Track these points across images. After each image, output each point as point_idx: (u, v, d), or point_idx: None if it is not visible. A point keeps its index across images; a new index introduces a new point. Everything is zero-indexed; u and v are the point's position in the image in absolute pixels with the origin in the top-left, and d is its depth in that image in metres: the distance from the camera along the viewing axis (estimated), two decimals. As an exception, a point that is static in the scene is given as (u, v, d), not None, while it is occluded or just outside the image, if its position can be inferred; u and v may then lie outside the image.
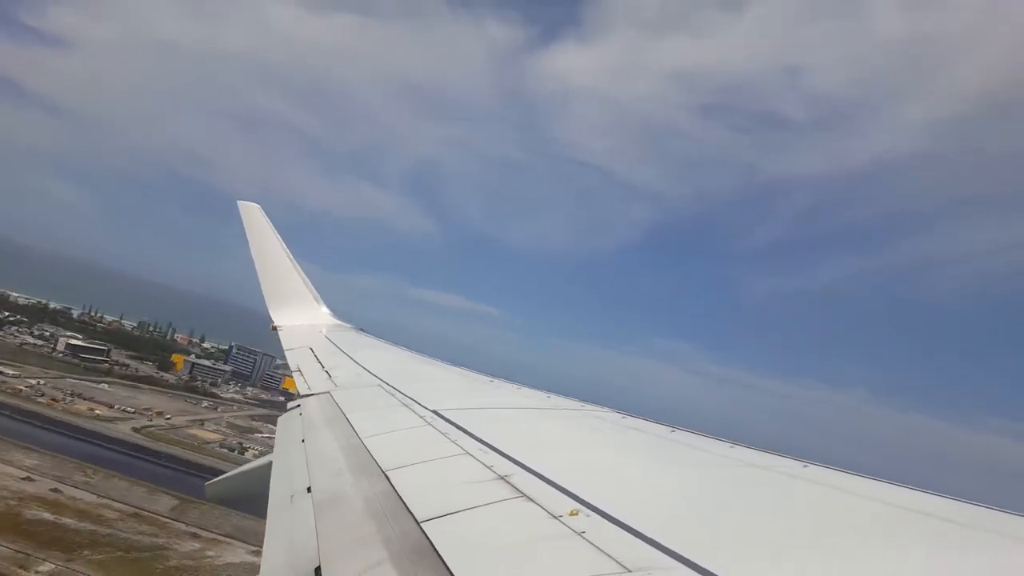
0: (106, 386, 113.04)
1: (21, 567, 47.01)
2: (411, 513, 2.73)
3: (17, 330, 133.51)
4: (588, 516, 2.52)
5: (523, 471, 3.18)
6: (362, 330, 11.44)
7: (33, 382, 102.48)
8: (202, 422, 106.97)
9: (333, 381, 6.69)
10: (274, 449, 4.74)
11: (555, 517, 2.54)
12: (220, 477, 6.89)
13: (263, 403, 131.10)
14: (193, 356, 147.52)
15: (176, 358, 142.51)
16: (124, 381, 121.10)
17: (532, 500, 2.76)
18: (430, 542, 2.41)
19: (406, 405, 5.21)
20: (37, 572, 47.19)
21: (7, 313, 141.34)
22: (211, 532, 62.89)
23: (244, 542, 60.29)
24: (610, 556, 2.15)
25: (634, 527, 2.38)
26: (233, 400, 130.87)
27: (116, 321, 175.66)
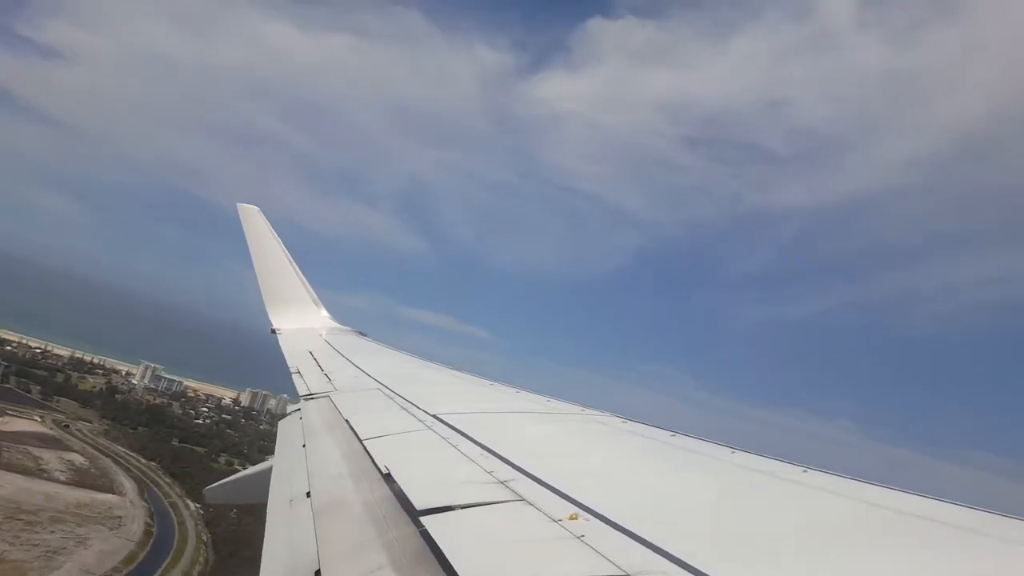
0: None
1: None
2: (411, 510, 2.73)
3: None
4: (588, 520, 2.52)
5: (523, 475, 3.18)
6: (362, 333, 11.43)
7: None
8: None
9: (332, 384, 6.69)
10: (275, 454, 4.74)
11: (555, 521, 2.53)
12: (220, 482, 6.90)
13: None
14: None
15: None
16: None
17: (532, 504, 2.76)
18: (430, 546, 2.41)
19: (406, 409, 5.20)
20: None
21: None
22: None
23: None
24: (610, 560, 2.15)
25: (634, 531, 2.38)
26: None
27: None
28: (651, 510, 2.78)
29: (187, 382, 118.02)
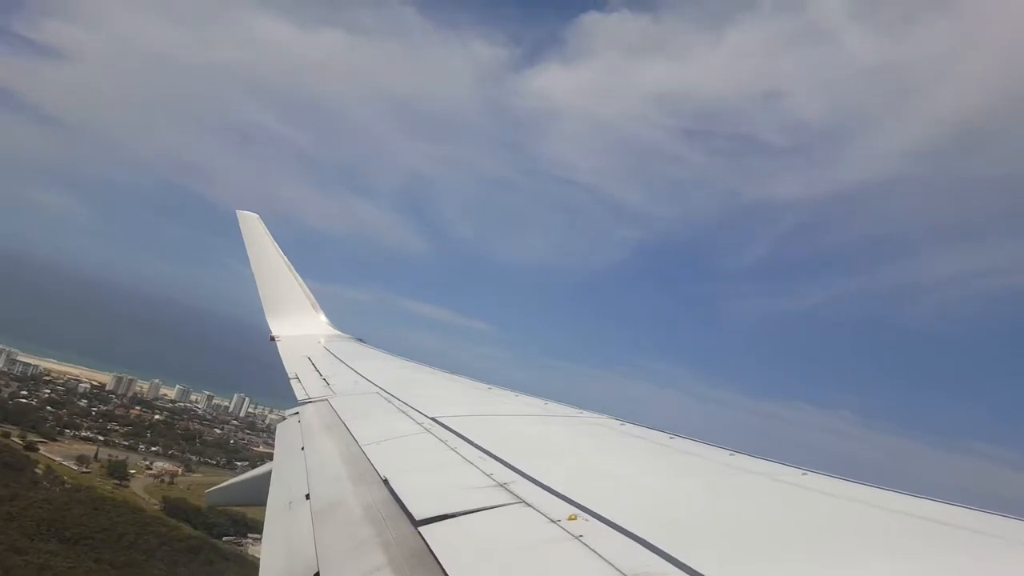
0: None
1: None
2: (410, 518, 2.73)
3: None
4: (587, 521, 2.52)
5: (522, 478, 3.18)
6: (361, 340, 11.42)
7: None
8: None
9: (331, 389, 6.69)
10: (274, 457, 4.74)
11: (554, 522, 2.53)
12: (219, 486, 6.91)
13: None
14: None
15: None
16: None
17: (531, 505, 2.76)
18: (428, 547, 2.41)
19: (404, 412, 5.20)
20: None
21: None
22: None
23: None
24: (608, 562, 2.14)
25: (633, 532, 2.38)
26: None
27: None
28: (650, 511, 2.78)
29: (49, 365, 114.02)
